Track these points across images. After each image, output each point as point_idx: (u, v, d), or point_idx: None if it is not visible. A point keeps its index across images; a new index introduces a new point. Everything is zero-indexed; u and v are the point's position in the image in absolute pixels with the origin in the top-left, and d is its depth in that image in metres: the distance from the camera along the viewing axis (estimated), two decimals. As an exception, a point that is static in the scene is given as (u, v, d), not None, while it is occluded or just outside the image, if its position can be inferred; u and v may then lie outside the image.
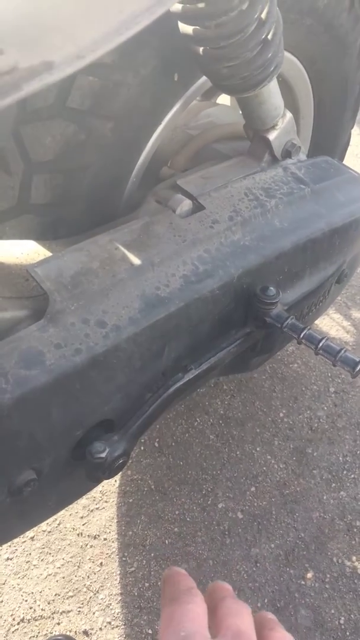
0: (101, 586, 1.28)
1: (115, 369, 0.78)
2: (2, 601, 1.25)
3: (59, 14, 0.44)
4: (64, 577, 1.29)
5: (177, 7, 0.77)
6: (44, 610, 1.24)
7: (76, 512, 1.39)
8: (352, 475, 1.47)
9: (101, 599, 1.26)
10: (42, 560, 1.31)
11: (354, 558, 1.33)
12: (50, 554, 1.32)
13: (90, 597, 1.26)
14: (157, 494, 1.42)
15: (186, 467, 1.47)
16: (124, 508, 1.40)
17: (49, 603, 1.25)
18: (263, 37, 0.82)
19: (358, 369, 0.89)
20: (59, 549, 1.33)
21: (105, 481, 1.44)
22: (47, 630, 1.21)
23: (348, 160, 1.42)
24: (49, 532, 1.36)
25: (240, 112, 1.05)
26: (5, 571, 1.29)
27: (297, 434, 1.55)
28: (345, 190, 1.09)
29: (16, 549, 1.33)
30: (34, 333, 0.72)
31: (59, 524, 1.37)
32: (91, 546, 1.34)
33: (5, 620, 1.22)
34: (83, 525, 1.37)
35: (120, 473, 1.46)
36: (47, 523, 1.37)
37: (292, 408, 1.61)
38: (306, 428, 1.56)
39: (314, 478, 1.46)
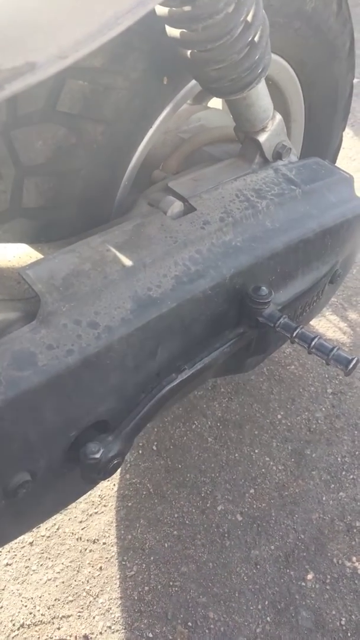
0: (101, 590, 1.27)
1: (108, 369, 0.78)
2: (1, 607, 1.25)
3: (41, 15, 0.45)
4: (63, 582, 1.29)
5: (164, 10, 0.78)
6: (44, 615, 1.24)
7: (75, 517, 1.39)
8: (351, 476, 1.46)
9: (101, 603, 1.26)
10: (41, 565, 1.31)
11: (354, 559, 1.33)
12: (49, 558, 1.32)
13: (90, 602, 1.26)
14: (155, 498, 1.42)
15: (185, 470, 1.47)
16: (123, 512, 1.39)
17: (48, 608, 1.25)
18: (250, 39, 0.83)
19: (351, 366, 0.89)
20: (58, 553, 1.33)
21: (104, 485, 1.44)
22: (47, 635, 1.21)
23: (342, 163, 1.43)
24: (48, 537, 1.35)
25: (230, 114, 1.06)
26: (4, 577, 1.29)
27: (296, 436, 1.55)
28: (336, 190, 1.10)
29: (15, 554, 1.33)
30: (26, 334, 0.72)
31: (58, 529, 1.37)
32: (90, 550, 1.33)
33: (5, 626, 1.22)
34: (82, 529, 1.37)
35: (118, 477, 1.46)
36: (46, 528, 1.37)
37: (290, 410, 1.61)
38: (304, 429, 1.56)
39: (312, 479, 1.46)
